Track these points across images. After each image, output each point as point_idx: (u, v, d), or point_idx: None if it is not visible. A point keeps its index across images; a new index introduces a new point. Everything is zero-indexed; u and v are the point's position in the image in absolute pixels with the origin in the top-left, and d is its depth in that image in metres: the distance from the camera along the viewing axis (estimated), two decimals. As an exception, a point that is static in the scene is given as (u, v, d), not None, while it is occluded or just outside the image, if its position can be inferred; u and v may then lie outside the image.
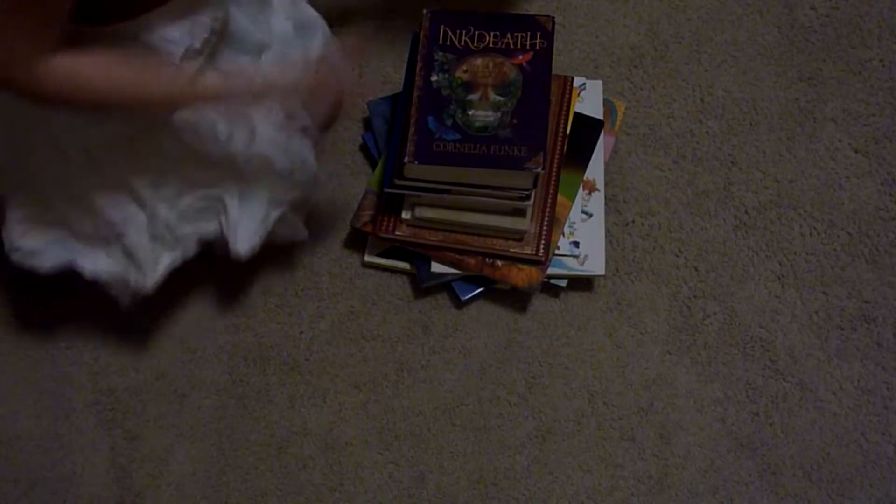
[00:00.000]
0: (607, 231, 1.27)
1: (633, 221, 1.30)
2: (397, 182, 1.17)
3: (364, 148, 1.35)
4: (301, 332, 1.29)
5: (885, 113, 1.31)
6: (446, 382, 1.25)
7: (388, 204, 1.24)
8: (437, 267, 1.24)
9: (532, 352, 1.25)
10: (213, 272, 1.29)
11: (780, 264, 1.26)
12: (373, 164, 1.33)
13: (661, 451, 1.20)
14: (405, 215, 1.23)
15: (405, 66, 1.30)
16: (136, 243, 1.08)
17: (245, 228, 1.11)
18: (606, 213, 1.26)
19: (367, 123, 1.36)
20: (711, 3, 1.40)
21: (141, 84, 0.96)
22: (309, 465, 1.24)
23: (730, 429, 1.20)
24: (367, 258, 1.29)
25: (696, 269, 1.26)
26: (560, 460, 1.21)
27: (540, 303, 1.27)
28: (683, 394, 1.22)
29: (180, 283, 1.30)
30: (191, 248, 1.12)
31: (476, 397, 1.24)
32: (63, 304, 1.32)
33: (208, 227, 1.12)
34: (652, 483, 1.19)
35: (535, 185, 1.16)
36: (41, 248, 1.09)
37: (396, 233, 1.24)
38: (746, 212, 1.28)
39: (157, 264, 1.11)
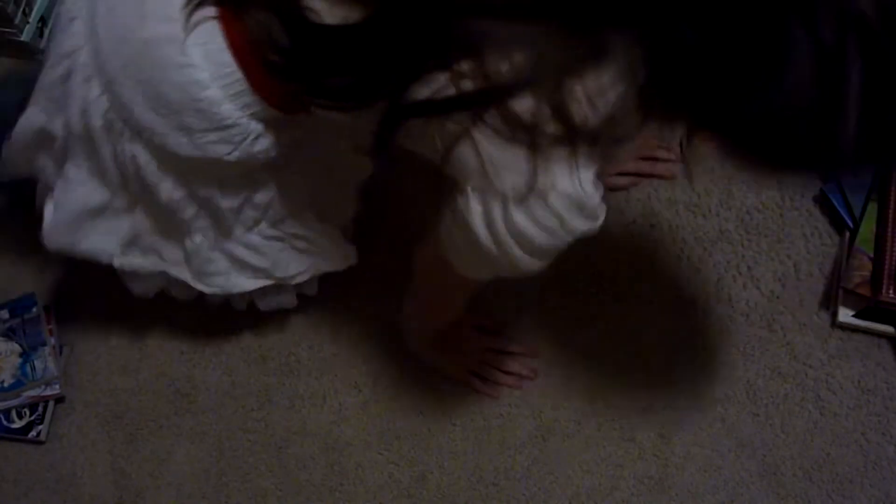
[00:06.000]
0: (607, 231, 1.27)
1: (634, 222, 1.29)
2: None
3: (818, 198, 1.27)
4: (301, 332, 1.29)
5: (886, 112, 1.31)
6: (446, 382, 1.25)
7: (886, 266, 1.15)
8: None
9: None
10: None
11: (781, 264, 1.26)
12: (831, 216, 1.25)
13: (661, 451, 1.20)
14: None
15: None
16: None
17: None
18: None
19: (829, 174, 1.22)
20: (712, 2, 1.40)
21: None
22: (309, 465, 1.24)
23: (730, 429, 1.20)
24: (842, 318, 1.20)
25: (698, 270, 1.26)
26: (560, 460, 1.21)
27: (539, 302, 1.27)
28: (683, 394, 1.22)
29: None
30: None
31: (476, 397, 1.24)
32: (63, 303, 1.32)
33: None
34: (652, 483, 1.19)
35: None
36: None
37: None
38: (747, 212, 1.28)
39: None
